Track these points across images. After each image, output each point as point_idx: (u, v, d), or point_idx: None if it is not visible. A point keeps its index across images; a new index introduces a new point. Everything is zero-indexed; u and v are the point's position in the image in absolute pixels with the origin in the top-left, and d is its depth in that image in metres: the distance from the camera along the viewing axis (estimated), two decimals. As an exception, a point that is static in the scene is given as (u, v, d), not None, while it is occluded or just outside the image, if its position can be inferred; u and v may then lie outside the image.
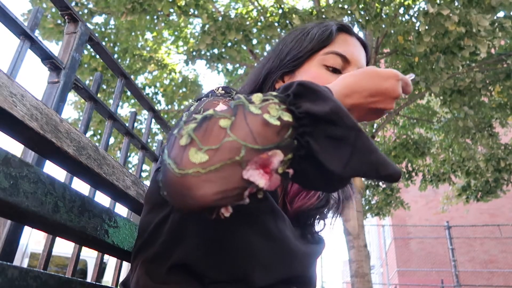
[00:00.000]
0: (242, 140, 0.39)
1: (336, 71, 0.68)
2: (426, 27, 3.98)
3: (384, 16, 4.90)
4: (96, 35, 1.06)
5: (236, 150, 0.39)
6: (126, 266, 1.20)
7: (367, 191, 7.14)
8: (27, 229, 0.91)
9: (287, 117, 0.42)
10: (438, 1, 4.04)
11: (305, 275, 0.65)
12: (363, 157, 0.41)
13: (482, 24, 3.77)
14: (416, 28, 4.60)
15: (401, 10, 5.11)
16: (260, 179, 0.40)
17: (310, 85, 0.45)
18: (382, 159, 0.42)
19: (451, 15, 3.79)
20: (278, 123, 0.41)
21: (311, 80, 0.67)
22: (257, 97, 0.44)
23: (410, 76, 0.60)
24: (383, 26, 4.78)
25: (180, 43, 6.92)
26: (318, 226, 0.73)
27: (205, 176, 0.37)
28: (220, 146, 0.38)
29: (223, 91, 0.63)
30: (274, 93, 0.46)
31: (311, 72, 0.68)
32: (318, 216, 0.71)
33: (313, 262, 0.68)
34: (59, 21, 5.12)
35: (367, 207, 7.20)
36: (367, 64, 0.76)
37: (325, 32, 0.70)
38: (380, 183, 7.15)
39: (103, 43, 1.09)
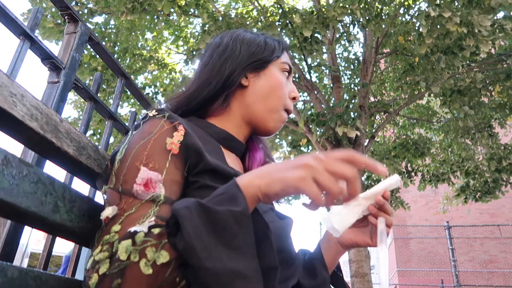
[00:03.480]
0: None
1: (287, 77, 0.82)
2: (428, 29, 3.98)
3: (384, 16, 4.89)
4: (96, 35, 1.06)
5: None
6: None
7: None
8: (27, 229, 0.91)
9: (163, 259, 0.45)
10: (438, 2, 4.03)
11: (285, 250, 0.66)
12: None
13: (484, 24, 3.77)
14: (417, 28, 4.59)
15: (402, 10, 5.10)
16: None
17: (181, 225, 0.46)
18: None
19: (452, 16, 3.78)
20: (150, 271, 0.44)
21: (275, 83, 0.77)
22: (139, 237, 0.47)
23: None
24: (384, 26, 4.78)
25: (180, 42, 6.91)
26: (277, 203, 0.79)
27: None
28: None
29: (156, 113, 0.67)
30: (158, 229, 0.48)
31: (276, 76, 0.79)
32: None
33: (288, 234, 0.71)
34: (59, 21, 5.11)
35: (367, 207, 7.18)
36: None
37: (280, 44, 0.82)
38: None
39: (103, 43, 1.09)
